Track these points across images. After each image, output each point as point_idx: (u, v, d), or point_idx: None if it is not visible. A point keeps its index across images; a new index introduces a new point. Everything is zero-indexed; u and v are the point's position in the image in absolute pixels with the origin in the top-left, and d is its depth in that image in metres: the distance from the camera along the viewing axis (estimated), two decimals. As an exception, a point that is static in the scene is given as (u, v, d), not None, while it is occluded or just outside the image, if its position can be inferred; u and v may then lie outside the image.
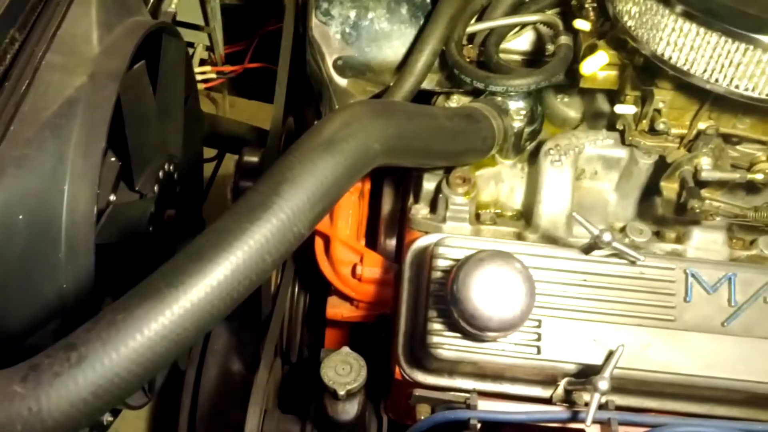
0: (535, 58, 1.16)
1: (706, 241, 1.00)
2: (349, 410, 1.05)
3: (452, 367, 0.91)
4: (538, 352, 0.86)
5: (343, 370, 1.05)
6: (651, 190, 1.03)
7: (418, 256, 0.97)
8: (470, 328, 0.82)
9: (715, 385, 0.86)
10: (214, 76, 1.63)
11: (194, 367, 1.35)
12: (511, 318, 0.80)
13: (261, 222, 0.71)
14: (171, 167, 1.20)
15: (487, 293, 0.79)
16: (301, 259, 1.28)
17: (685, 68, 0.86)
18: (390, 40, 1.14)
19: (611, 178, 1.05)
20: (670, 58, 0.87)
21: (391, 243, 1.22)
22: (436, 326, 0.86)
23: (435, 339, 0.86)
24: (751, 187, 0.99)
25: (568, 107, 1.15)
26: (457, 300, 0.81)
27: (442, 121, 0.94)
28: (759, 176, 0.92)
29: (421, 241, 0.98)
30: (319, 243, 1.17)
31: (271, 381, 1.22)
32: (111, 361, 0.63)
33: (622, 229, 1.03)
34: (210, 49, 1.60)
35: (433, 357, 0.88)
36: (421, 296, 0.93)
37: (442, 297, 0.86)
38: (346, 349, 1.07)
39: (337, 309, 1.19)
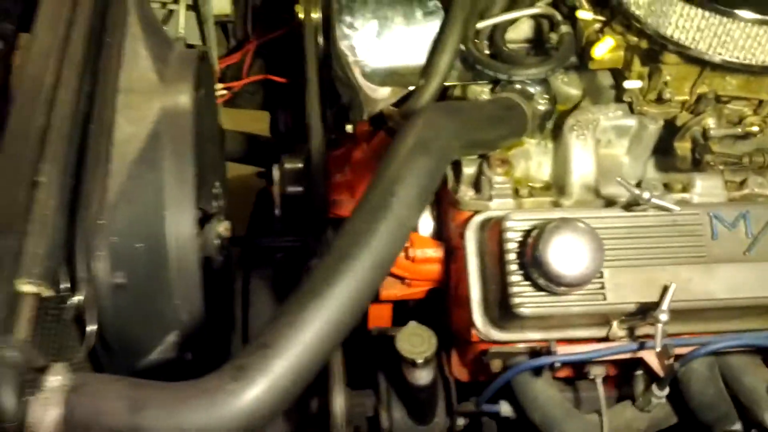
0: (536, 45, 1.32)
1: (707, 187, 1.18)
2: (426, 376, 1.19)
3: (524, 323, 1.07)
4: (604, 298, 1.02)
5: (416, 341, 1.18)
6: (657, 149, 1.21)
7: (478, 232, 1.11)
8: (553, 286, 0.97)
9: (744, 304, 1.04)
10: (224, 92, 1.71)
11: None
12: (587, 272, 0.96)
13: (386, 220, 0.83)
14: (220, 183, 1.30)
15: (566, 255, 0.95)
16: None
17: (691, 46, 1.03)
18: (410, 44, 1.27)
19: (623, 144, 1.21)
20: (678, 39, 1.03)
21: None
22: (517, 289, 1.01)
23: (517, 300, 1.01)
24: (740, 137, 1.18)
25: (569, 86, 1.30)
26: (541, 263, 0.96)
27: (491, 112, 1.08)
28: (754, 128, 1.10)
29: (478, 218, 1.13)
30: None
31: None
32: (299, 352, 0.75)
33: (638, 185, 1.20)
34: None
35: (516, 315, 1.02)
36: (491, 265, 1.08)
37: (520, 263, 1.01)
38: (413, 323, 1.20)
39: (390, 290, 1.31)
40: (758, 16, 0.97)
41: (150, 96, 1.09)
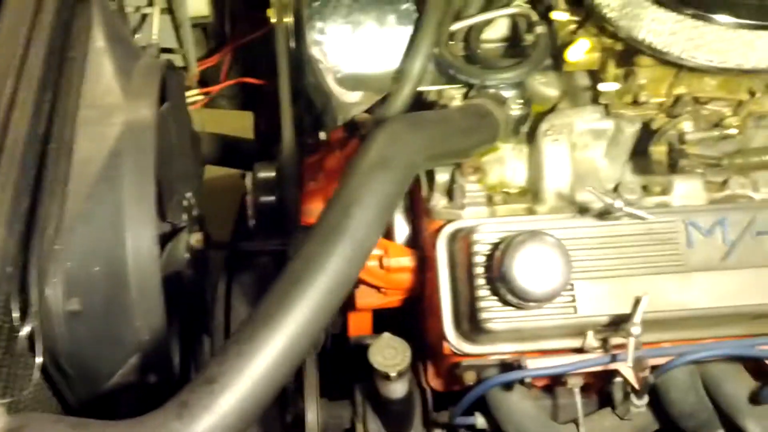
0: (512, 44, 1.28)
1: (687, 189, 1.14)
2: (401, 389, 1.17)
3: (495, 336, 1.04)
4: (575, 311, 0.99)
5: (390, 354, 1.17)
6: (636, 151, 1.17)
7: (449, 243, 1.09)
8: (520, 301, 0.95)
9: (722, 312, 1.01)
10: (200, 97, 1.69)
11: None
12: (556, 287, 0.93)
13: (342, 244, 0.81)
14: (191, 193, 1.28)
15: (533, 270, 0.92)
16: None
17: (664, 50, 1.00)
18: (383, 48, 1.24)
19: (600, 147, 1.18)
20: (651, 43, 1.00)
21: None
22: (485, 303, 0.99)
23: (485, 315, 0.99)
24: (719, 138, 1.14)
25: (547, 87, 1.26)
26: (507, 279, 0.93)
27: (459, 123, 1.05)
28: (732, 131, 1.06)
29: (449, 228, 1.10)
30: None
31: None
32: (248, 386, 0.73)
33: (615, 189, 1.17)
34: (183, 69, 1.66)
35: (484, 330, 1.00)
36: (461, 278, 1.05)
37: (488, 277, 0.98)
38: (386, 335, 1.18)
39: (366, 299, 1.30)
40: (732, 20, 0.94)
41: (112, 111, 1.07)
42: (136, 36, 1.47)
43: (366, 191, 0.85)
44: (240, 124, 1.98)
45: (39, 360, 0.82)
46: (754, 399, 1.06)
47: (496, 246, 0.99)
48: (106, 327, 0.97)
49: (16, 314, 0.82)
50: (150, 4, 1.53)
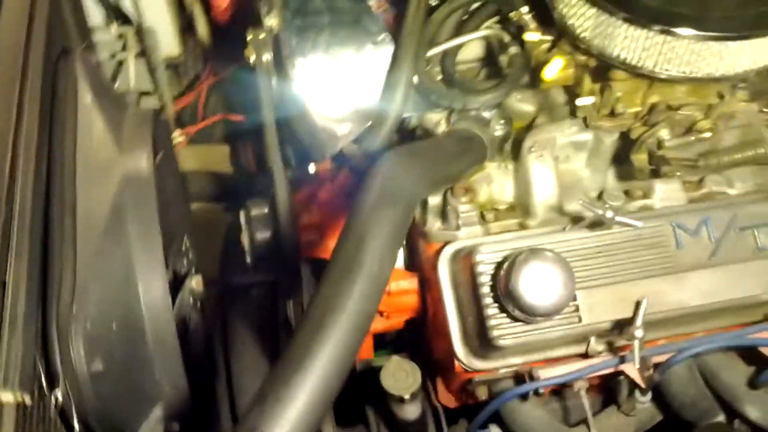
0: (487, 63, 1.33)
1: (667, 191, 1.20)
2: (414, 409, 1.20)
3: (505, 351, 1.08)
4: (579, 320, 1.04)
5: (401, 376, 1.20)
6: (615, 158, 1.23)
7: (450, 263, 1.13)
8: (528, 317, 0.99)
9: (715, 308, 1.07)
10: (181, 138, 1.70)
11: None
12: (561, 301, 0.98)
13: (360, 281, 0.83)
14: (186, 238, 1.29)
15: (538, 286, 0.97)
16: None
17: (638, 65, 1.05)
18: (364, 79, 1.27)
19: (581, 158, 1.23)
20: (625, 59, 1.05)
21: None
22: (494, 321, 1.03)
23: (495, 332, 1.03)
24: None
25: (524, 103, 1.31)
26: (515, 297, 0.97)
27: (451, 148, 1.09)
28: (706, 134, 1.12)
29: (448, 250, 1.14)
30: (342, 271, 1.30)
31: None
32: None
33: (599, 196, 1.22)
34: (161, 110, 1.67)
35: (495, 347, 1.04)
36: (467, 297, 1.09)
37: (494, 295, 1.02)
38: (395, 358, 1.22)
39: (370, 324, 1.32)
40: (699, 33, 0.99)
41: (109, 166, 1.08)
42: (115, 84, 1.48)
43: (377, 228, 0.87)
44: (216, 158, 1.99)
45: (77, 427, 0.83)
46: (751, 384, 1.11)
47: (499, 265, 1.03)
48: (128, 382, 0.98)
49: (44, 382, 0.84)
50: (124, 49, 1.54)
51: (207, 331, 1.32)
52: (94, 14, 1.60)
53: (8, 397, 0.76)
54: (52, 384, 0.85)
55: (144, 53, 1.55)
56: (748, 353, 1.14)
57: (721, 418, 1.16)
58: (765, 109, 1.22)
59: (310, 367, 0.78)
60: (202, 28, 1.76)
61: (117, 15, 1.59)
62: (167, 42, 1.68)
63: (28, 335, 0.82)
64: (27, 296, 0.85)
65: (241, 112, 1.81)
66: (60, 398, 0.84)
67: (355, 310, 0.82)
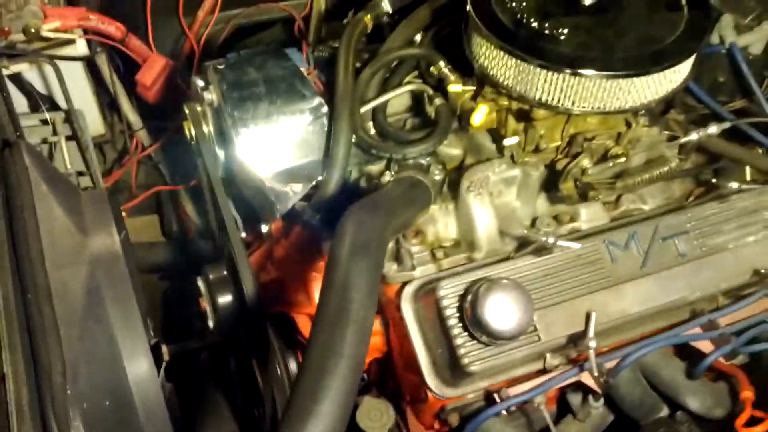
0: (416, 112, 1.44)
1: (591, 213, 1.33)
2: (391, 445, 1.27)
3: (474, 376, 1.17)
4: (539, 338, 1.14)
5: (375, 416, 1.27)
6: (542, 188, 1.35)
7: (412, 302, 1.21)
8: (496, 341, 1.08)
9: (653, 311, 1.20)
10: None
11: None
12: (523, 322, 1.07)
13: (350, 326, 0.90)
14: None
15: (502, 312, 1.06)
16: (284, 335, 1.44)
17: (559, 106, 1.18)
18: (306, 140, 1.36)
19: (512, 192, 1.34)
20: (546, 101, 1.18)
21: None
22: (464, 350, 1.12)
23: (467, 359, 1.11)
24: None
25: (450, 147, 1.42)
26: (482, 324, 1.07)
27: (403, 196, 1.18)
28: (622, 159, 1.27)
29: (408, 290, 1.22)
30: (304, 321, 1.36)
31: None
32: None
33: (532, 224, 1.34)
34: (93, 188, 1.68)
35: (466, 373, 1.13)
36: (432, 330, 1.17)
37: (462, 325, 1.11)
38: (367, 398, 1.29)
39: (336, 370, 1.38)
40: (606, 73, 1.14)
41: (76, 251, 1.10)
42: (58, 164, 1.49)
43: (356, 276, 0.95)
44: (145, 229, 2.01)
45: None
46: (689, 376, 1.24)
47: (462, 297, 1.12)
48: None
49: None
50: (55, 133, 1.56)
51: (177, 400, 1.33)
52: (20, 103, 1.61)
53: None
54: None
55: (74, 135, 1.57)
56: (683, 349, 1.28)
57: (665, 412, 1.29)
58: (664, 132, 1.39)
59: (320, 413, 0.84)
60: (125, 107, 1.80)
61: (43, 101, 1.60)
62: (92, 122, 1.71)
63: (35, 422, 0.84)
64: (27, 385, 0.87)
65: (171, 183, 1.85)
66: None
67: (351, 354, 0.88)
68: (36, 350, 0.96)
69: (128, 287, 1.07)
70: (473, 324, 1.09)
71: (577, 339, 1.15)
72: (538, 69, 1.16)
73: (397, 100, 1.46)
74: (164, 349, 1.29)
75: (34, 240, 1.09)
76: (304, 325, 1.36)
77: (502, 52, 1.20)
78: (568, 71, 1.15)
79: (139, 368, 1.04)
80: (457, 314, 1.12)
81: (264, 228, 1.40)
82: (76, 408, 0.94)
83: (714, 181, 1.35)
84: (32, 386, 0.88)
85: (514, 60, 1.18)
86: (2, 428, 0.81)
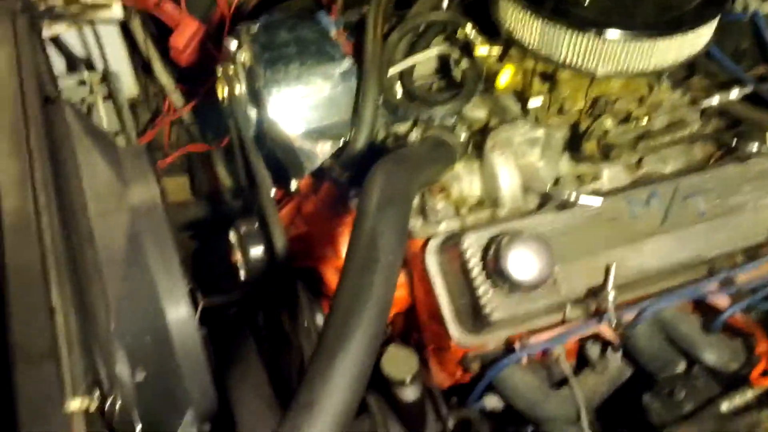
0: (444, 75, 1.48)
1: (613, 174, 1.37)
2: (416, 390, 1.32)
3: (495, 325, 1.21)
4: (559, 290, 1.18)
5: (400, 362, 1.31)
6: (565, 149, 1.39)
7: (437, 255, 1.25)
8: (518, 290, 1.13)
9: (671, 267, 1.24)
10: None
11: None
12: (543, 272, 1.12)
13: (378, 271, 0.94)
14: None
15: (524, 263, 1.11)
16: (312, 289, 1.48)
17: (583, 67, 1.21)
18: (335, 101, 1.40)
19: (536, 153, 1.38)
20: (571, 62, 1.21)
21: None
22: (486, 299, 1.16)
23: (489, 308, 1.16)
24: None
25: (476, 109, 1.46)
26: (504, 274, 1.11)
27: (428, 154, 1.23)
28: (644, 121, 1.30)
29: (433, 244, 1.27)
30: (331, 274, 1.41)
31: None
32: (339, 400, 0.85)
33: (556, 183, 1.38)
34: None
35: (487, 321, 1.17)
36: (456, 282, 1.22)
37: (484, 276, 1.16)
38: (392, 346, 1.33)
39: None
40: (630, 33, 1.17)
41: (117, 199, 1.16)
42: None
43: (384, 225, 0.99)
44: (175, 189, 2.07)
45: (139, 426, 0.91)
46: (705, 331, 1.28)
47: (485, 250, 1.17)
48: (164, 390, 1.06)
49: (97, 397, 0.91)
50: (92, 92, 1.61)
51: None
52: (58, 63, 1.67)
53: (76, 404, 0.84)
54: (104, 397, 0.92)
55: (110, 96, 1.63)
56: (700, 305, 1.32)
57: (681, 367, 1.32)
58: (685, 96, 1.41)
59: (349, 350, 0.87)
60: (158, 69, 1.85)
61: (80, 62, 1.66)
62: (127, 84, 1.76)
63: (82, 353, 0.90)
64: (74, 318, 0.93)
65: (202, 143, 1.90)
66: (116, 408, 0.91)
67: (378, 297, 0.93)
68: (81, 287, 1.02)
69: (167, 234, 1.13)
70: (496, 273, 1.13)
71: (596, 291, 1.19)
72: (563, 30, 1.19)
73: (424, 63, 1.50)
74: (200, 296, 1.35)
75: (78, 188, 1.15)
76: (332, 278, 1.41)
77: (528, 14, 1.23)
78: (593, 32, 1.18)
79: (178, 309, 1.10)
80: (480, 265, 1.16)
81: (293, 185, 1.45)
82: (120, 342, 1.00)
83: (734, 144, 1.38)
84: (78, 319, 0.94)
85: (540, 21, 1.21)
86: (52, 355, 0.87)
